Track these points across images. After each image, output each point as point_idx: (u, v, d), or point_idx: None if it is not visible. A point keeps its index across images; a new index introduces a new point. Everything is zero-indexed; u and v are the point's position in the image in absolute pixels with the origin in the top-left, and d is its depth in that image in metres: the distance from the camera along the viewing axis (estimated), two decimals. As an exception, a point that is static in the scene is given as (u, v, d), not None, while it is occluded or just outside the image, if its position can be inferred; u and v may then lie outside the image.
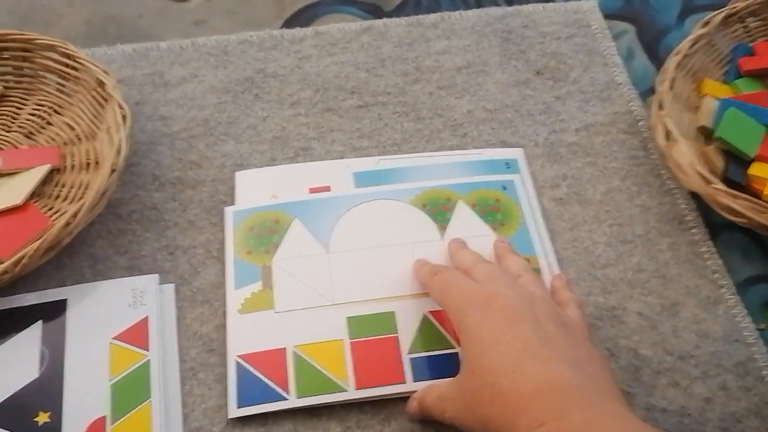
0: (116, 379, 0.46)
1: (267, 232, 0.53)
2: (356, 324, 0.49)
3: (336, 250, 0.52)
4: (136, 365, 0.46)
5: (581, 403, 0.37)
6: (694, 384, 0.47)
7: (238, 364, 0.47)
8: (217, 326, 0.49)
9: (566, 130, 0.59)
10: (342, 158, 0.58)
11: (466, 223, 0.53)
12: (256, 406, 0.46)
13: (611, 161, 0.58)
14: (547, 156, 0.58)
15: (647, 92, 0.63)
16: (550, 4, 0.68)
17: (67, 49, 0.57)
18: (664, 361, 0.48)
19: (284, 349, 0.48)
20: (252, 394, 0.46)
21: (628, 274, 0.52)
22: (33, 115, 0.59)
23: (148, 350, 0.47)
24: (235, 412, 0.45)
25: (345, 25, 0.66)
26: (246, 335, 0.48)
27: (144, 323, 0.48)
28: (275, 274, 0.51)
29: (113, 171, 0.50)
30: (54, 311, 0.49)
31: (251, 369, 0.47)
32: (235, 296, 0.50)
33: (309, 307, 0.49)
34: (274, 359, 0.47)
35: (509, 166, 0.57)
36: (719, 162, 0.55)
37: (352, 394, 0.46)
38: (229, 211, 0.54)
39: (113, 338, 0.48)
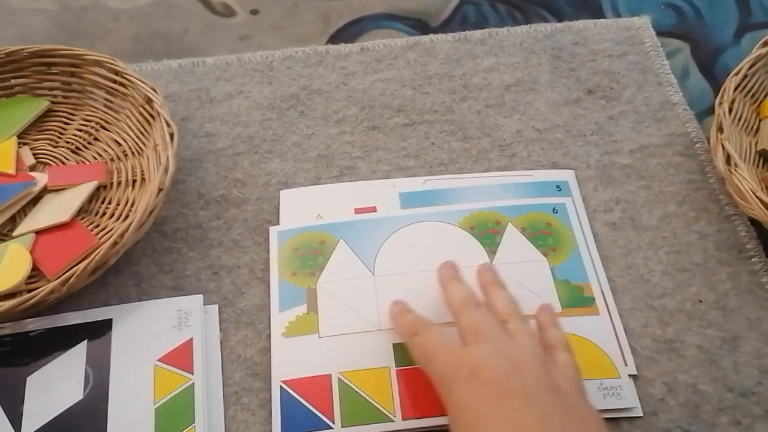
0: (160, 403, 0.45)
1: (312, 254, 0.52)
2: (403, 351, 0.47)
3: (382, 274, 0.51)
4: (181, 389, 0.46)
5: None
6: (756, 423, 0.45)
7: (283, 390, 0.46)
8: (260, 349, 0.49)
9: (620, 151, 0.58)
10: (387, 178, 0.57)
11: (516, 248, 0.52)
12: None
13: (667, 185, 0.56)
14: (599, 178, 0.56)
15: (703, 113, 0.61)
16: (602, 20, 0.67)
17: (116, 65, 0.57)
18: (724, 398, 0.46)
19: (329, 375, 0.47)
20: (297, 422, 0.45)
21: (687, 305, 0.50)
22: (80, 130, 0.59)
23: (192, 373, 0.46)
24: None
25: (391, 41, 0.66)
26: (290, 360, 0.48)
27: (188, 345, 0.48)
28: (320, 297, 0.50)
29: (160, 190, 0.50)
30: (99, 331, 0.48)
31: (296, 395, 0.46)
32: (279, 319, 0.49)
33: (354, 332, 0.48)
34: (319, 386, 0.46)
35: (560, 188, 0.55)
36: (782, 188, 0.53)
37: (399, 424, 0.45)
38: (273, 231, 0.54)
39: (158, 360, 0.47)
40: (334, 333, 0.48)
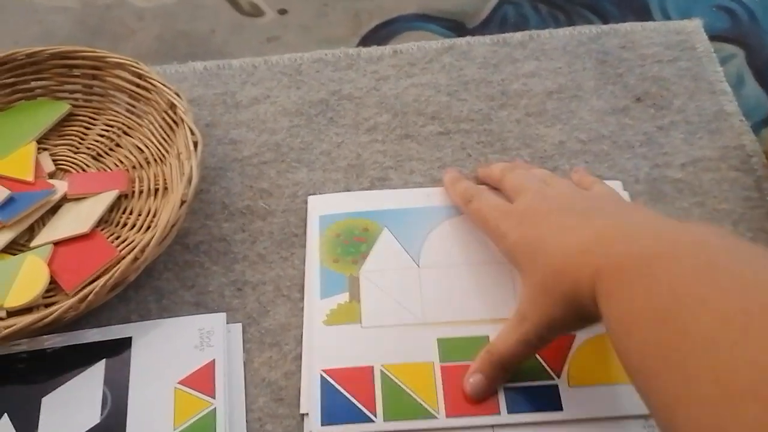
0: (181, 429, 0.43)
1: (355, 241, 0.50)
2: (447, 347, 0.45)
3: (427, 265, 0.49)
4: (202, 414, 0.43)
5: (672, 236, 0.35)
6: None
7: (323, 380, 0.44)
8: (285, 373, 0.46)
9: (670, 165, 0.54)
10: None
11: None
12: (340, 426, 0.43)
13: (721, 202, 0.52)
14: (648, 194, 0.52)
15: (760, 124, 0.57)
16: (650, 23, 0.63)
17: (139, 68, 0.55)
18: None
19: (371, 367, 0.45)
20: (337, 413, 0.43)
21: (744, 335, 0.46)
22: (102, 136, 0.57)
23: (214, 398, 0.44)
24: (318, 429, 0.42)
25: (425, 43, 0.62)
26: (331, 349, 0.46)
27: (210, 367, 0.45)
28: (362, 286, 0.48)
29: (183, 202, 0.47)
30: (118, 350, 0.46)
31: (337, 386, 0.44)
32: (320, 306, 0.47)
33: (397, 324, 0.46)
34: (360, 377, 0.44)
35: None
36: None
37: (443, 422, 0.43)
38: (314, 215, 0.52)
39: (178, 383, 0.45)
40: (377, 324, 0.46)
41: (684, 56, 0.60)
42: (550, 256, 0.39)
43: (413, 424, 0.43)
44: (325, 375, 0.44)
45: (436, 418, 0.43)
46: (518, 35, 0.62)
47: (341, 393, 0.44)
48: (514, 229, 0.42)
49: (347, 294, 0.48)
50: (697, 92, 0.58)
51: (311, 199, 0.53)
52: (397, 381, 0.44)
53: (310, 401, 0.44)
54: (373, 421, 0.43)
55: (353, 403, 0.43)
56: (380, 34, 0.65)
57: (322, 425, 0.43)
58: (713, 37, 0.62)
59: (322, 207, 0.52)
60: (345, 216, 0.51)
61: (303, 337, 0.47)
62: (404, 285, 0.48)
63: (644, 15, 0.64)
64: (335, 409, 0.43)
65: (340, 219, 0.51)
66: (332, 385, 0.44)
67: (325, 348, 0.46)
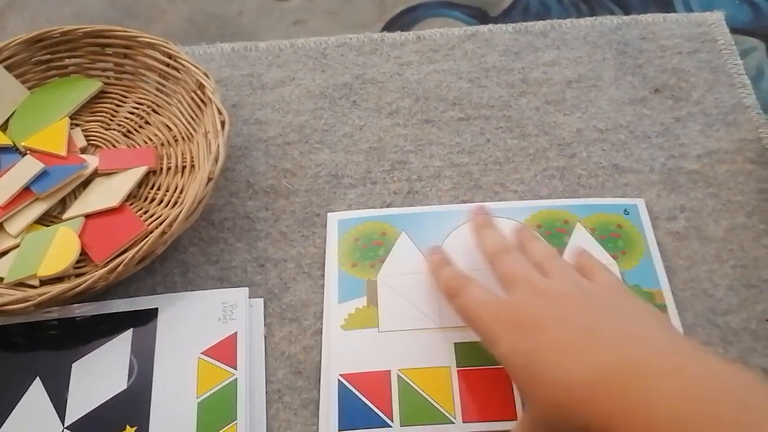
0: (203, 397, 0.45)
1: (373, 245, 0.51)
2: (464, 351, 0.46)
3: None
4: (224, 384, 0.45)
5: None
6: (824, 454, 0.43)
7: (341, 384, 0.45)
8: (305, 347, 0.48)
9: (686, 156, 0.55)
10: (440, 174, 0.55)
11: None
12: (357, 431, 0.44)
13: (736, 194, 0.53)
14: (663, 184, 0.53)
15: (778, 117, 0.57)
16: (672, 14, 0.63)
17: (169, 49, 0.56)
18: (789, 425, 0.44)
19: (389, 371, 0.45)
20: (354, 418, 0.44)
21: (752, 324, 0.47)
22: (132, 113, 0.58)
23: (236, 368, 0.46)
24: None
25: (448, 30, 0.63)
26: (349, 353, 0.46)
27: (233, 339, 0.47)
28: (380, 291, 0.49)
29: (210, 180, 0.49)
30: (145, 320, 0.48)
31: (354, 390, 0.45)
32: (338, 311, 0.48)
33: (415, 328, 0.47)
34: (378, 382, 0.45)
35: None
36: None
37: (459, 427, 0.43)
38: (333, 219, 0.52)
39: (202, 353, 0.46)
40: (394, 328, 0.47)
41: (704, 48, 0.60)
42: (551, 384, 0.36)
43: (430, 429, 0.43)
44: (342, 380, 0.45)
45: (452, 423, 0.43)
46: (540, 24, 0.63)
47: (358, 397, 0.44)
48: (507, 334, 0.39)
49: (365, 298, 0.48)
50: (716, 84, 0.58)
51: (330, 216, 0.53)
52: (414, 385, 0.45)
53: (328, 405, 0.44)
54: (390, 426, 0.43)
55: (370, 407, 0.44)
56: (404, 20, 0.66)
57: (339, 430, 0.44)
58: (735, 30, 0.62)
59: (342, 213, 0.53)
60: (363, 220, 0.52)
61: (322, 342, 0.48)
62: (422, 290, 0.48)
63: (666, 6, 0.65)
64: (352, 413, 0.44)
65: (358, 223, 0.52)
66: (349, 389, 0.45)
67: (343, 353, 0.46)
